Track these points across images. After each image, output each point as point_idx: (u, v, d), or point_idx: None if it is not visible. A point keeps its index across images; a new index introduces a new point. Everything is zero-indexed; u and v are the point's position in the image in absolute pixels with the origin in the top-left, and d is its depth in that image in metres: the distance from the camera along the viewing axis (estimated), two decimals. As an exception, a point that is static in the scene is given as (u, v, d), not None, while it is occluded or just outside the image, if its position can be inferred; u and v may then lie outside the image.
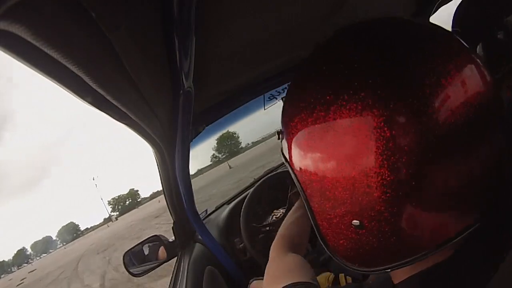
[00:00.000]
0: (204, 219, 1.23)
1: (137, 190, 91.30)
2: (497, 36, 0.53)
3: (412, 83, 0.27)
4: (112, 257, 11.18)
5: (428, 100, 0.26)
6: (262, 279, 0.81)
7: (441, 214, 0.28)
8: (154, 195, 77.06)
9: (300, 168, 0.33)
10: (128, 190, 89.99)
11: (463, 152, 0.27)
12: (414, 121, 0.26)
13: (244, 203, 1.13)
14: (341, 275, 0.79)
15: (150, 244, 1.06)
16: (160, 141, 0.71)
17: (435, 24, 0.34)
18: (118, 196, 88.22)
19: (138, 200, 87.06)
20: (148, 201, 77.41)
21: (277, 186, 1.13)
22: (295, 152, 0.33)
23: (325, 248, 0.36)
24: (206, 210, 1.39)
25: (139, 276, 1.01)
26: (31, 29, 0.22)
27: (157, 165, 0.86)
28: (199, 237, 1.06)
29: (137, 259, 1.04)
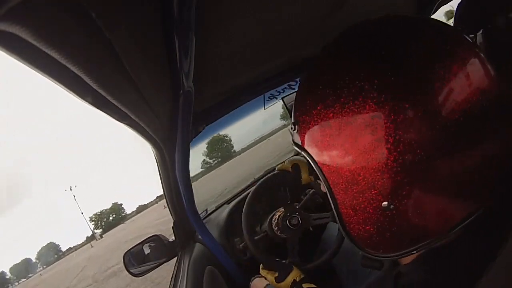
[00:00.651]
0: (204, 219, 1.23)
1: (121, 204, 77.55)
2: (498, 34, 0.53)
3: (419, 79, 0.29)
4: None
5: (435, 94, 0.28)
6: (264, 276, 0.82)
7: (453, 199, 0.30)
8: (141, 209, 70.77)
9: (323, 158, 0.34)
10: (111, 205, 75.76)
11: (468, 143, 0.29)
12: (422, 115, 0.28)
13: (245, 202, 1.13)
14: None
15: (150, 244, 1.06)
16: (160, 141, 0.71)
17: (439, 21, 0.35)
18: (101, 211, 74.86)
19: (123, 215, 74.42)
20: (134, 215, 67.90)
21: (278, 186, 1.13)
22: (317, 142, 0.34)
23: (348, 238, 0.36)
24: (206, 210, 1.39)
25: (139, 276, 1.01)
26: (32, 30, 0.22)
27: (157, 165, 0.86)
28: (199, 237, 1.06)
29: (137, 259, 1.04)
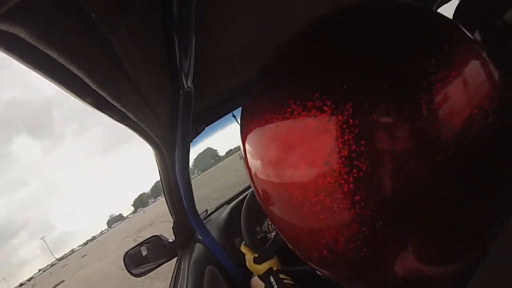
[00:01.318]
0: (204, 219, 1.23)
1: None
2: (498, 33, 0.53)
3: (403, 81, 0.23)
4: None
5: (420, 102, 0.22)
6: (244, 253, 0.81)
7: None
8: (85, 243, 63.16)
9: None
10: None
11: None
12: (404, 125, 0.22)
13: (245, 203, 1.13)
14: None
15: (151, 245, 1.06)
16: (160, 141, 0.71)
17: (435, 11, 0.29)
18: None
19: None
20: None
21: None
22: (253, 153, 0.30)
23: None
24: (207, 210, 1.39)
25: (140, 276, 1.01)
26: (31, 30, 0.22)
27: (157, 165, 0.86)
28: (199, 237, 1.06)
29: (138, 260, 1.04)
